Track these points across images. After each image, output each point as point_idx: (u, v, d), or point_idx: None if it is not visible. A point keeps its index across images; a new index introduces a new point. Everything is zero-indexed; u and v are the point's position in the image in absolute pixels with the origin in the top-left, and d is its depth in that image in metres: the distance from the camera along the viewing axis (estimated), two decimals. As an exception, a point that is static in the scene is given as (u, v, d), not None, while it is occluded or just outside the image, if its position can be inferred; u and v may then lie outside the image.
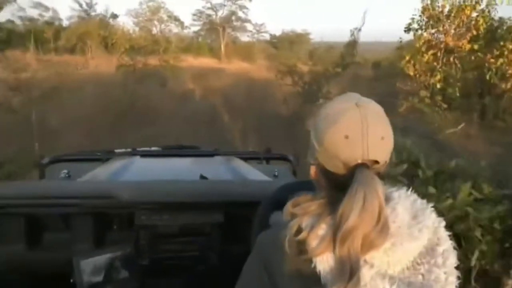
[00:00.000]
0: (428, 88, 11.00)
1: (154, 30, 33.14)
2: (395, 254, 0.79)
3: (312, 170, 0.92)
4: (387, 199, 0.84)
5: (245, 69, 23.78)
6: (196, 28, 35.63)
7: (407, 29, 11.94)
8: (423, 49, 10.87)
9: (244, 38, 36.86)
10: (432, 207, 0.87)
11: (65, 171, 2.27)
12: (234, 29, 36.02)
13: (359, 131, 0.81)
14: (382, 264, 0.79)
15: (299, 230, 0.83)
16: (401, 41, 12.78)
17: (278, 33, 38.54)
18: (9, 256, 1.61)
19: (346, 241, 0.76)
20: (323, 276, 0.79)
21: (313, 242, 0.80)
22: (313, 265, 0.80)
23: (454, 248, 0.85)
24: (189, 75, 17.36)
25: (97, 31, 26.39)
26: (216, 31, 34.15)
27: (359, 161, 0.82)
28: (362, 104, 0.85)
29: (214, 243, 1.69)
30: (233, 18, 35.11)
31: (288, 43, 36.64)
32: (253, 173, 2.30)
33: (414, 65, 11.03)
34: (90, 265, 1.50)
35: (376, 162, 0.83)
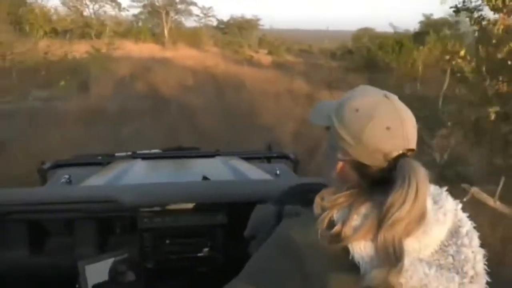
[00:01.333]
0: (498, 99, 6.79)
1: (87, 12, 27.09)
2: (426, 240, 0.79)
3: (339, 166, 0.86)
4: None
5: (197, 59, 18.73)
6: (135, 11, 30.57)
7: (456, 10, 7.54)
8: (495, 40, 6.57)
9: (190, 23, 32.70)
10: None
11: (66, 176, 2.17)
12: (178, 13, 32.44)
13: (398, 121, 0.80)
14: (414, 250, 0.78)
15: (331, 224, 0.79)
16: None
17: (225, 18, 34.79)
18: (12, 262, 1.56)
19: (393, 228, 0.75)
20: (362, 264, 0.76)
21: (348, 233, 0.77)
22: (350, 257, 0.76)
23: (474, 228, 0.84)
24: (126, 70, 11.97)
25: (4, 9, 19.71)
26: (158, 14, 30.05)
27: (401, 151, 0.80)
28: (389, 95, 0.84)
29: (218, 243, 1.61)
30: (177, 0, 31.10)
31: (237, 29, 34.23)
32: (254, 172, 2.22)
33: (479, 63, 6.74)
34: (95, 270, 1.44)
35: (412, 150, 0.82)
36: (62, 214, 1.56)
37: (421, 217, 0.77)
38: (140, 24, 31.06)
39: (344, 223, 0.77)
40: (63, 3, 26.92)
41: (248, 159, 2.60)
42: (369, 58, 17.89)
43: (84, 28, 25.13)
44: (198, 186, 1.74)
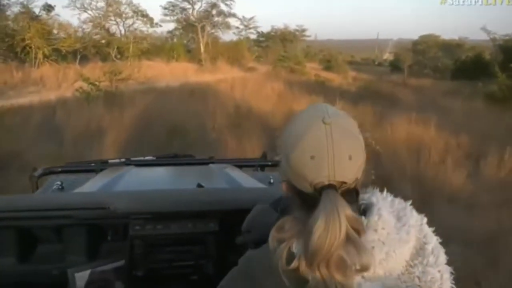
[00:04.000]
0: None
1: (115, 29, 22.13)
2: (390, 263, 0.69)
3: (284, 186, 0.77)
4: (368, 206, 0.73)
5: (249, 85, 11.94)
6: (168, 25, 25.97)
7: None
8: None
9: (227, 36, 27.44)
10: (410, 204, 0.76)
11: (58, 182, 1.95)
12: (216, 26, 26.92)
13: (324, 151, 0.68)
14: (379, 276, 0.68)
15: (291, 256, 0.68)
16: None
17: (265, 29, 29.96)
18: (1, 269, 1.42)
19: (315, 263, 0.65)
20: None
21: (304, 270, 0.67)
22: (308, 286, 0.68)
23: (440, 243, 0.74)
24: (121, 148, 5.01)
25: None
26: (193, 29, 25.42)
27: (326, 183, 0.68)
28: (329, 119, 0.70)
29: (209, 251, 1.47)
30: (214, 12, 25.99)
31: (280, 41, 28.93)
32: (248, 180, 2.00)
33: None
34: (85, 278, 1.32)
35: (344, 182, 0.69)
36: (52, 221, 1.42)
37: (357, 249, 0.64)
38: (174, 40, 25.98)
39: (300, 256, 0.67)
40: (91, 21, 20.95)
41: (242, 167, 2.34)
42: None
43: (104, 48, 18.88)
44: (190, 193, 1.58)
